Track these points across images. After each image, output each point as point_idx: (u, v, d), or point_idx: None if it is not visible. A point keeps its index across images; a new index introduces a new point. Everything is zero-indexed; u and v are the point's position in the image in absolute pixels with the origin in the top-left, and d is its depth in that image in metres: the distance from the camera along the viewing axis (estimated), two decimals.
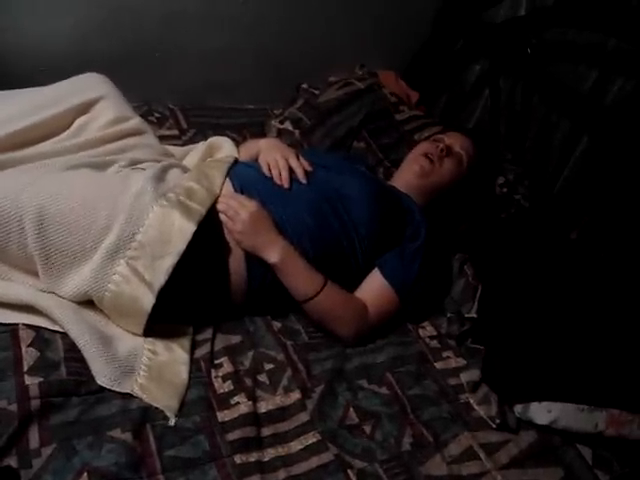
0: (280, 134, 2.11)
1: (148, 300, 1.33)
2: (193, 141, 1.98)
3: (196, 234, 1.37)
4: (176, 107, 2.13)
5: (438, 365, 1.57)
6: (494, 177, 1.98)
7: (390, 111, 2.13)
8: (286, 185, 1.58)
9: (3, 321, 1.33)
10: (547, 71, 2.06)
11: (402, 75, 2.43)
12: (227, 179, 1.56)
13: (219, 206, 1.48)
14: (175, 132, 2.03)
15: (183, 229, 1.37)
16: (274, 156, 1.63)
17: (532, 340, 1.56)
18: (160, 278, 1.34)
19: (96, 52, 1.99)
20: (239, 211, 1.46)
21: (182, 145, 1.95)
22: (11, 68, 1.90)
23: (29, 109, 1.59)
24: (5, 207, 1.30)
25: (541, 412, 1.46)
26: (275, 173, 1.59)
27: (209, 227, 1.44)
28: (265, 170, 1.61)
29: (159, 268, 1.34)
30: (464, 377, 1.55)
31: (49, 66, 1.90)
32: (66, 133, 1.66)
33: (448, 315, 1.69)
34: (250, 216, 1.45)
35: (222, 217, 1.47)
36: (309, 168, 1.64)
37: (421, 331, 1.65)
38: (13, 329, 1.32)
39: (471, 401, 1.50)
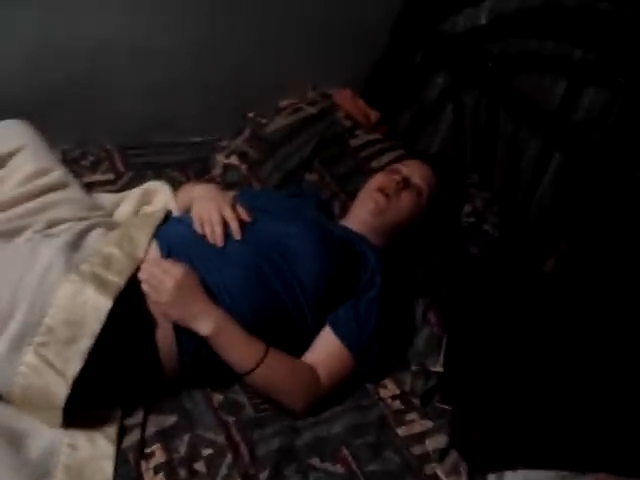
0: (226, 169, 1.94)
1: (61, 392, 1.18)
2: (130, 185, 1.81)
3: (115, 308, 1.22)
4: (113, 147, 1.95)
5: (400, 431, 1.41)
6: (460, 207, 1.81)
7: (344, 137, 1.97)
8: (220, 244, 1.41)
9: None
10: (511, 84, 1.90)
11: (360, 93, 2.26)
12: (154, 240, 1.41)
13: (141, 275, 1.31)
14: (110, 176, 1.86)
15: (97, 307, 1.21)
16: (207, 209, 1.46)
17: (505, 398, 1.42)
18: (74, 366, 1.19)
19: (17, 95, 1.81)
20: (163, 279, 1.29)
21: (118, 191, 1.79)
22: None
23: None
24: None
25: None
26: (208, 230, 1.43)
27: (131, 298, 1.28)
28: (197, 226, 1.44)
29: (72, 354, 1.19)
30: (430, 444, 1.39)
31: None
32: None
33: (412, 368, 1.53)
34: (176, 284, 1.29)
35: (145, 287, 1.31)
36: (248, 219, 1.48)
37: (382, 391, 1.49)
38: None
39: (438, 472, 1.34)
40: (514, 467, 1.32)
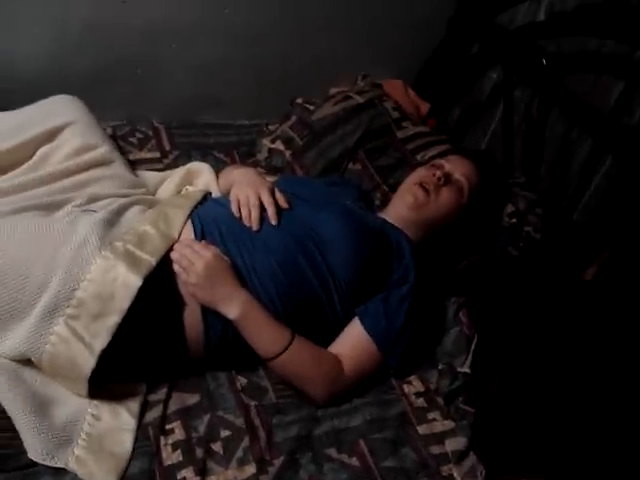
0: (271, 154, 1.95)
1: (88, 364, 1.21)
2: (175, 164, 1.84)
3: (146, 286, 1.24)
4: (162, 125, 1.98)
5: (421, 429, 1.40)
6: (501, 206, 1.77)
7: (391, 128, 1.94)
8: (255, 227, 1.42)
9: None
10: (566, 84, 1.83)
11: (412, 84, 2.23)
12: (189, 221, 1.43)
13: (172, 255, 1.33)
14: (156, 154, 1.89)
15: (127, 284, 1.24)
16: (245, 192, 1.47)
17: (530, 406, 1.38)
18: (101, 340, 1.22)
19: (73, 70, 1.86)
20: (194, 261, 1.31)
21: (163, 169, 1.82)
22: None
23: None
24: None
25: None
26: (244, 213, 1.44)
27: (162, 277, 1.30)
28: (234, 208, 1.46)
29: (100, 328, 1.22)
30: (449, 445, 1.37)
31: (21, 87, 1.77)
32: (27, 165, 1.56)
33: (439, 367, 1.52)
34: (206, 267, 1.30)
35: (175, 267, 1.33)
36: (285, 205, 1.49)
37: (406, 387, 1.48)
38: None
39: (454, 474, 1.33)
40: (531, 477, 1.30)
